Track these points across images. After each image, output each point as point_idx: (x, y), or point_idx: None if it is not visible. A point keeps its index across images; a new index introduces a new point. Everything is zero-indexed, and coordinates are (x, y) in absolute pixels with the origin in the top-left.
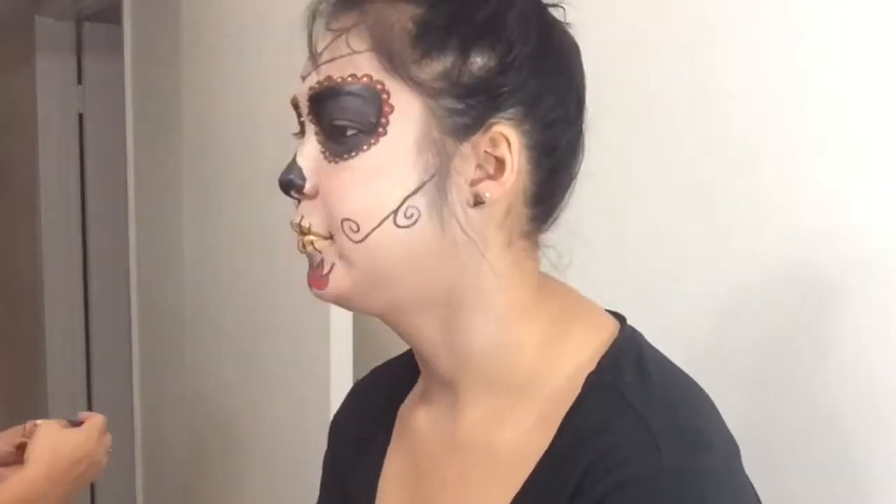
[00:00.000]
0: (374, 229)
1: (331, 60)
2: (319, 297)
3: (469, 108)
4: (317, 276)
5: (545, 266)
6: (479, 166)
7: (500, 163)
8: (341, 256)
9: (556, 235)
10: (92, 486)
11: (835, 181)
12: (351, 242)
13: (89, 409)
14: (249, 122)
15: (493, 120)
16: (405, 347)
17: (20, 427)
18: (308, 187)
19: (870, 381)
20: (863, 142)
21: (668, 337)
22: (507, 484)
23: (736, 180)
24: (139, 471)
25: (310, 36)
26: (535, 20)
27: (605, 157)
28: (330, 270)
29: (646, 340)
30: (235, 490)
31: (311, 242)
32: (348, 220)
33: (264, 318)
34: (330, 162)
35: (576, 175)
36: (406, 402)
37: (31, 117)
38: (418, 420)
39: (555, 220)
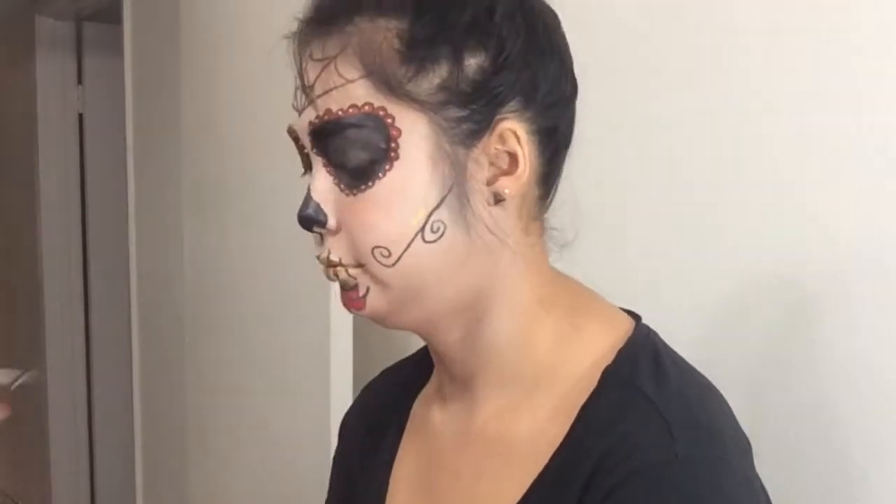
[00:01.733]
0: (404, 251)
1: (326, 93)
2: (356, 314)
3: (473, 112)
4: (353, 299)
5: (553, 248)
6: (492, 164)
7: (512, 157)
8: (376, 281)
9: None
10: (92, 484)
11: (833, 184)
12: (384, 268)
13: (89, 407)
14: (249, 122)
15: (497, 118)
16: (404, 348)
17: None
18: (331, 223)
19: (869, 382)
20: (859, 144)
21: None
22: (522, 475)
23: (733, 181)
24: (139, 468)
25: (298, 66)
26: (519, 10)
27: (602, 160)
28: (366, 293)
29: (661, 339)
30: (235, 489)
31: (344, 271)
32: (378, 247)
33: (264, 319)
34: (348, 195)
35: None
36: (419, 398)
37: (30, 117)
38: (433, 415)
39: (555, 194)
